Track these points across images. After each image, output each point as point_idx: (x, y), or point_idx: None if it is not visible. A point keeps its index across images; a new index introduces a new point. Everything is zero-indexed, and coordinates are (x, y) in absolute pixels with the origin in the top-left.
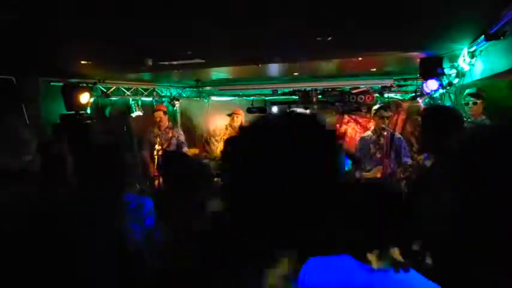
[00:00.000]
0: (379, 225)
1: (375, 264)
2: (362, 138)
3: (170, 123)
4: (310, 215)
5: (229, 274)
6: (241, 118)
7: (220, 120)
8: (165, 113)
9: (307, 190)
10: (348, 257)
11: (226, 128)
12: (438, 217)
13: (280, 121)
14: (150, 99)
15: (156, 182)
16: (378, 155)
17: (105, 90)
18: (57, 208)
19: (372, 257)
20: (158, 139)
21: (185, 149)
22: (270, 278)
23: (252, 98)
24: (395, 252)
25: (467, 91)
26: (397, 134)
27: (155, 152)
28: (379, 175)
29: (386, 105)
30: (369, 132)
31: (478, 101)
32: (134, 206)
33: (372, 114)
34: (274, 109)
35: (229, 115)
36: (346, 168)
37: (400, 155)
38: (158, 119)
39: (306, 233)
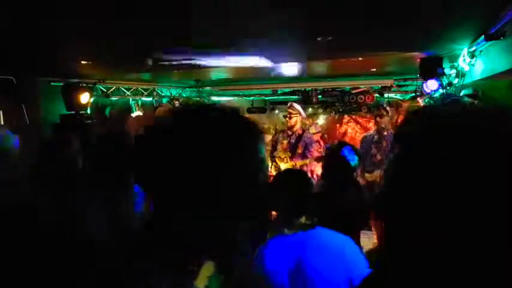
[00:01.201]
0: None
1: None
2: (364, 137)
3: None
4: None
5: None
6: None
7: None
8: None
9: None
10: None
11: None
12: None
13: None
14: (150, 99)
15: None
16: (378, 157)
17: (105, 90)
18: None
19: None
20: None
21: None
22: (199, 280)
23: (252, 98)
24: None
25: (463, 92)
26: None
27: None
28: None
29: (386, 105)
30: (371, 132)
31: (475, 102)
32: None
33: (374, 115)
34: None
35: None
36: (353, 164)
37: None
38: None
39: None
